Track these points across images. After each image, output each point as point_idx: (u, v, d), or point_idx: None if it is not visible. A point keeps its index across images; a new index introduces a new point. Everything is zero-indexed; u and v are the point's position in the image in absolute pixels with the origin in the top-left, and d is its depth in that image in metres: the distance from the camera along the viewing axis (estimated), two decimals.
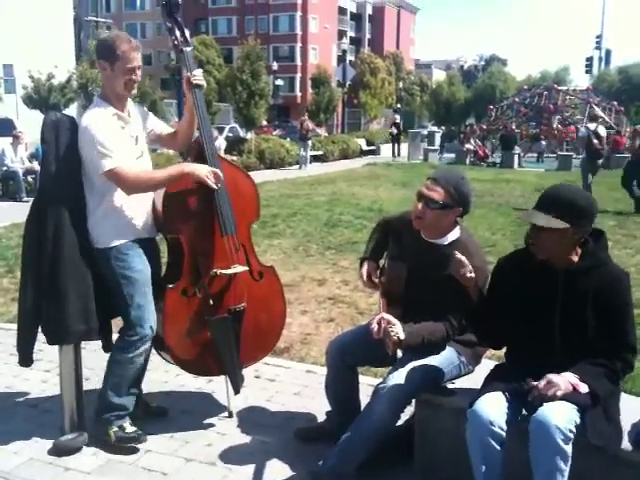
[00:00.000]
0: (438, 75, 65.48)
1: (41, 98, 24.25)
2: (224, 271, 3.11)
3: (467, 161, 23.20)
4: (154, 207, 3.13)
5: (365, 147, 28.56)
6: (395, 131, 26.89)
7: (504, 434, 2.29)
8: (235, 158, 18.56)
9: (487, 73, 46.01)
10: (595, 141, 11.78)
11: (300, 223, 9.60)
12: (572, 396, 2.24)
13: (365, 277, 3.03)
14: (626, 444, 2.37)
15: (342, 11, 66.64)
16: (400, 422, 2.83)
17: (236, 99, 21.82)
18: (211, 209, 3.09)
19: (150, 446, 3.08)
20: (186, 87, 3.15)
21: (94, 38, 28.95)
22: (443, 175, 2.77)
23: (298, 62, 59.59)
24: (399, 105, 46.15)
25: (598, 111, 24.13)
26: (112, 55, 2.94)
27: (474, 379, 2.80)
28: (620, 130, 23.54)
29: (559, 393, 2.24)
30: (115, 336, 3.16)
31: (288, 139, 25.28)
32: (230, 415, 3.40)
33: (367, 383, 3.36)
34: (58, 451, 3.01)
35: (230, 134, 24.58)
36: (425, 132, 31.10)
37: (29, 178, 13.25)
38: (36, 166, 12.50)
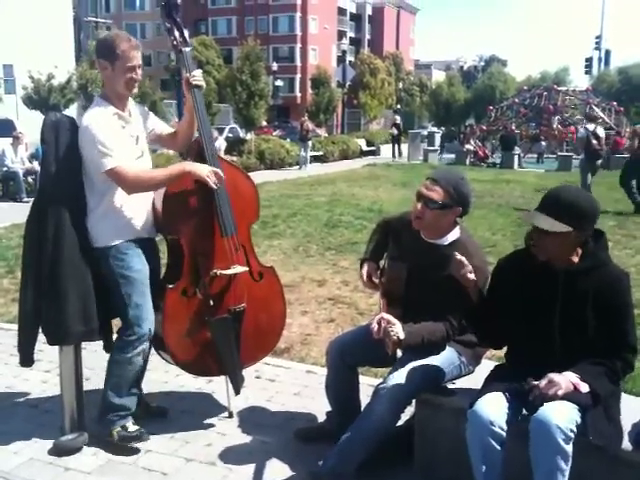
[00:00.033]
0: (438, 76, 65.46)
1: (41, 99, 24.25)
2: (224, 271, 3.12)
3: (467, 162, 23.21)
4: (154, 207, 3.13)
5: (365, 148, 28.57)
6: (396, 132, 26.91)
7: (504, 434, 2.29)
8: (235, 159, 18.57)
9: (487, 74, 45.97)
10: (594, 142, 11.80)
11: (300, 224, 9.60)
12: (573, 396, 2.25)
13: (365, 278, 3.03)
14: (626, 444, 2.37)
15: (342, 12, 66.63)
16: (400, 422, 2.83)
17: (236, 100, 21.83)
18: (211, 210, 3.09)
19: (150, 446, 3.08)
20: (185, 88, 3.15)
21: (94, 38, 28.95)
22: (442, 175, 2.78)
23: (298, 63, 59.61)
24: (399, 106, 46.16)
25: (598, 112, 24.15)
26: (112, 54, 2.95)
27: (474, 379, 2.80)
28: (620, 131, 23.55)
29: (560, 392, 2.24)
30: (115, 336, 3.16)
31: (288, 140, 25.30)
32: (230, 415, 3.40)
33: (367, 383, 3.36)
34: (58, 451, 3.01)
35: (230, 135, 24.60)
36: (425, 133, 31.09)
37: (29, 179, 13.27)
38: (36, 166, 12.51)
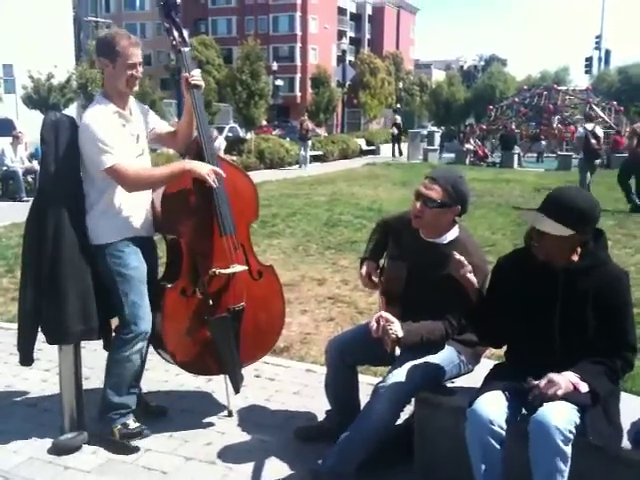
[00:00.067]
0: (438, 75, 65.46)
1: (41, 98, 24.24)
2: (223, 270, 3.11)
3: (467, 161, 23.20)
4: (153, 206, 3.13)
5: (365, 147, 28.58)
6: (396, 131, 26.91)
7: (504, 433, 2.29)
8: (235, 158, 18.56)
9: (487, 73, 45.98)
10: (593, 141, 11.85)
11: (300, 223, 9.60)
12: (572, 396, 2.24)
13: (365, 277, 3.03)
14: (626, 443, 2.37)
15: (342, 11, 66.63)
16: (400, 421, 2.83)
17: (236, 99, 21.84)
18: (210, 209, 3.09)
19: (150, 445, 3.08)
20: (184, 87, 3.15)
21: (94, 38, 28.93)
22: (441, 174, 2.78)
23: (298, 62, 59.60)
24: (399, 105, 46.15)
25: (598, 111, 24.16)
26: (112, 51, 2.95)
27: (473, 378, 2.80)
28: (620, 130, 23.55)
29: (560, 392, 2.24)
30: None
31: (288, 139, 25.29)
32: (230, 414, 3.40)
33: (367, 382, 3.36)
34: (58, 450, 3.01)
35: (230, 134, 24.59)
36: (425, 132, 31.09)
37: (29, 178, 13.27)
38: (36, 166, 12.50)
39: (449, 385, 2.86)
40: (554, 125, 26.27)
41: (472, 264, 2.49)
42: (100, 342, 3.18)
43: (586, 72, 46.66)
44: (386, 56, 57.56)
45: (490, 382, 2.49)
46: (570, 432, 2.16)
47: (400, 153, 26.21)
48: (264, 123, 29.73)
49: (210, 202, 3.08)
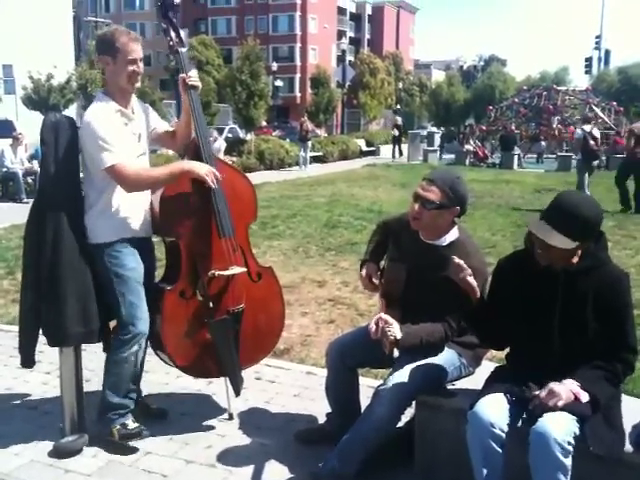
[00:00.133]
0: (437, 75, 65.48)
1: (41, 99, 24.22)
2: (222, 272, 3.11)
3: (467, 162, 23.21)
4: (152, 208, 3.13)
5: (365, 148, 28.58)
6: (397, 132, 26.93)
7: (505, 436, 2.29)
8: (235, 159, 18.56)
9: (486, 73, 46.01)
10: (591, 142, 11.89)
11: (300, 224, 9.60)
12: (573, 406, 2.24)
13: (365, 279, 3.03)
14: (627, 446, 2.36)
15: (341, 11, 66.62)
16: (400, 424, 2.83)
17: (235, 100, 21.82)
18: (208, 210, 3.09)
19: (150, 448, 3.08)
20: (182, 88, 3.15)
21: (93, 38, 28.92)
22: (439, 175, 2.78)
23: (297, 62, 59.61)
24: (398, 106, 46.16)
25: (598, 112, 24.15)
26: (112, 48, 2.95)
27: (474, 380, 2.80)
28: (620, 131, 23.55)
29: (560, 403, 2.23)
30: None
31: (288, 140, 25.29)
32: (230, 417, 3.40)
33: (367, 385, 3.36)
34: (58, 453, 3.00)
35: (230, 135, 24.59)
36: (424, 133, 31.10)
37: (29, 179, 13.27)
38: (36, 167, 12.51)
39: (450, 387, 2.86)
40: (554, 126, 26.26)
41: (471, 266, 2.49)
42: (100, 344, 3.18)
43: (586, 72, 46.72)
44: (386, 56, 57.60)
45: (491, 385, 2.49)
46: (569, 444, 2.16)
47: (400, 154, 26.22)
48: (264, 124, 29.73)
49: (208, 203, 3.07)
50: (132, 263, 3.03)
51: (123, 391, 3.08)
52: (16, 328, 3.23)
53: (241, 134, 24.94)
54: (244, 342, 3.24)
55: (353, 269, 6.47)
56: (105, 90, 3.09)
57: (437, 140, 29.03)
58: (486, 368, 2.82)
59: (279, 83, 44.21)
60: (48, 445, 3.06)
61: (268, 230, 8.94)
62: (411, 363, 2.75)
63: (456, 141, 29.85)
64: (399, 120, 28.12)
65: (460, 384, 2.88)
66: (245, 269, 3.22)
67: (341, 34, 64.99)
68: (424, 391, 2.76)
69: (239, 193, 3.27)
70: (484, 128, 26.61)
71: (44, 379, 3.87)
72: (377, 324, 2.61)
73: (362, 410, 2.92)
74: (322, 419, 3.28)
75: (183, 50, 3.21)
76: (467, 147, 24.35)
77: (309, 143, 22.07)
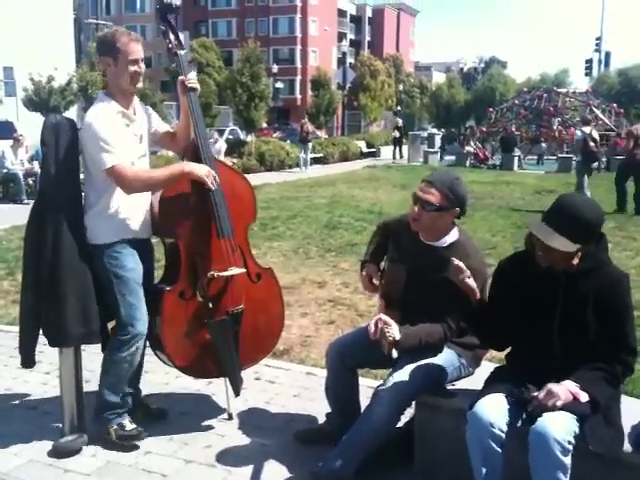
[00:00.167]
0: (438, 77, 65.46)
1: (41, 100, 24.23)
2: (221, 273, 3.11)
3: (467, 163, 23.22)
4: (151, 209, 3.14)
5: (365, 149, 28.60)
6: (398, 134, 26.95)
7: (504, 436, 2.29)
8: (235, 161, 18.58)
9: (487, 75, 46.00)
10: (591, 144, 11.92)
11: (300, 225, 9.60)
12: (572, 406, 2.24)
13: (366, 279, 3.03)
14: (626, 446, 2.36)
15: (342, 13, 66.68)
16: (400, 424, 2.83)
17: (236, 101, 21.84)
18: (208, 211, 3.09)
19: (150, 447, 3.08)
20: (180, 90, 3.16)
21: (94, 40, 28.96)
22: (438, 177, 2.78)
23: (298, 64, 59.64)
24: (399, 107, 46.19)
25: (598, 113, 24.16)
26: (113, 49, 2.95)
27: (474, 381, 2.80)
28: (620, 132, 23.55)
29: (559, 403, 2.23)
30: None
31: (288, 141, 25.30)
32: (230, 417, 3.40)
33: (367, 385, 3.36)
34: (58, 453, 3.01)
35: (230, 136, 24.61)
36: (425, 134, 31.11)
37: (29, 180, 13.28)
38: (36, 168, 12.51)
39: (449, 388, 2.86)
40: (554, 127, 26.27)
41: (471, 267, 2.49)
42: (99, 345, 3.18)
43: (586, 74, 46.80)
44: (386, 58, 57.60)
45: (491, 385, 2.49)
46: (569, 443, 2.16)
47: (401, 156, 26.24)
48: (264, 125, 29.75)
49: (208, 204, 3.08)
50: (131, 264, 3.03)
51: (121, 390, 3.08)
52: (16, 328, 3.23)
53: (242, 136, 24.96)
54: (244, 342, 3.24)
55: (353, 270, 6.48)
56: (107, 91, 3.09)
57: (437, 142, 29.02)
58: (486, 368, 2.82)
59: (279, 85, 44.27)
60: (47, 445, 3.06)
61: (268, 231, 8.94)
62: (411, 364, 2.75)
63: (456, 143, 29.84)
64: (400, 122, 28.14)
65: (460, 384, 2.88)
66: (244, 270, 3.22)
67: (341, 36, 65.11)
68: (424, 391, 2.76)
69: (238, 194, 3.27)
70: (484, 130, 26.62)
71: (44, 379, 3.87)
72: (376, 325, 2.61)
73: (362, 410, 2.92)
74: (322, 419, 3.28)
75: (182, 52, 3.22)
76: (467, 149, 24.36)
77: (309, 145, 22.09)
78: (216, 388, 3.66)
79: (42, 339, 3.05)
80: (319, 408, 3.36)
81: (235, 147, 20.88)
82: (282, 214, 10.49)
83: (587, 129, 12.49)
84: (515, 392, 2.37)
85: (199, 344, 3.14)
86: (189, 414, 3.46)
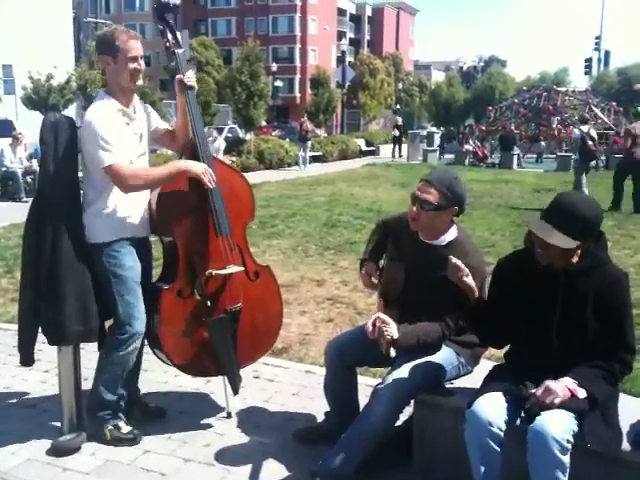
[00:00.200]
0: (437, 76, 65.52)
1: (40, 99, 24.24)
2: (219, 271, 3.11)
3: (466, 162, 23.23)
4: (149, 207, 3.13)
5: (364, 148, 28.61)
6: (397, 133, 26.95)
7: (503, 435, 2.29)
8: (234, 159, 18.57)
9: (486, 74, 46.06)
10: (590, 142, 11.94)
11: (299, 223, 9.60)
12: (570, 403, 2.24)
13: (366, 277, 3.03)
14: (625, 445, 2.36)
15: (341, 12, 66.66)
16: (399, 422, 2.83)
17: (235, 100, 21.85)
18: (205, 209, 3.09)
19: (148, 446, 3.08)
20: (178, 89, 3.15)
21: (93, 39, 28.92)
22: (436, 176, 2.78)
23: (297, 63, 59.61)
24: (398, 106, 46.20)
25: (598, 112, 24.16)
26: (112, 47, 2.95)
27: (472, 379, 2.80)
28: (619, 131, 23.56)
29: (557, 401, 2.23)
30: None
31: (287, 140, 25.31)
32: (229, 416, 3.40)
33: (366, 383, 3.36)
34: (56, 451, 3.00)
35: (229, 135, 24.61)
36: (424, 133, 31.13)
37: (28, 179, 13.28)
38: (35, 166, 12.53)
39: (448, 386, 2.86)
40: (553, 126, 26.28)
41: (470, 266, 2.49)
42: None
43: (586, 73, 46.76)
44: (386, 57, 57.59)
45: (489, 383, 2.49)
46: (567, 441, 2.16)
47: (400, 154, 26.25)
48: (263, 124, 29.74)
49: (206, 203, 3.07)
50: (130, 263, 3.03)
51: (117, 388, 3.08)
52: (15, 327, 3.23)
53: (241, 134, 24.97)
54: (242, 341, 3.24)
55: (352, 268, 6.47)
56: (107, 89, 3.08)
57: (437, 140, 29.05)
58: (484, 367, 2.82)
59: (279, 83, 44.25)
60: (46, 443, 3.06)
61: (267, 229, 8.94)
62: (410, 362, 2.75)
63: (456, 141, 29.88)
64: (399, 120, 28.15)
65: (458, 383, 2.88)
66: (242, 268, 3.22)
67: (341, 35, 65.08)
68: (422, 390, 2.76)
69: (236, 192, 3.27)
70: (484, 128, 26.62)
71: (42, 377, 3.87)
72: (374, 324, 2.61)
73: (361, 409, 2.91)
74: (321, 418, 3.28)
75: (179, 51, 3.22)
76: (467, 147, 24.37)
77: (309, 143, 22.09)
78: (215, 387, 3.66)
79: (41, 337, 3.05)
80: (318, 406, 3.35)
81: (234, 145, 20.89)
82: (281, 212, 10.49)
83: (585, 128, 12.51)
84: (513, 390, 2.37)
85: (197, 342, 3.14)
86: (188, 413, 3.45)
